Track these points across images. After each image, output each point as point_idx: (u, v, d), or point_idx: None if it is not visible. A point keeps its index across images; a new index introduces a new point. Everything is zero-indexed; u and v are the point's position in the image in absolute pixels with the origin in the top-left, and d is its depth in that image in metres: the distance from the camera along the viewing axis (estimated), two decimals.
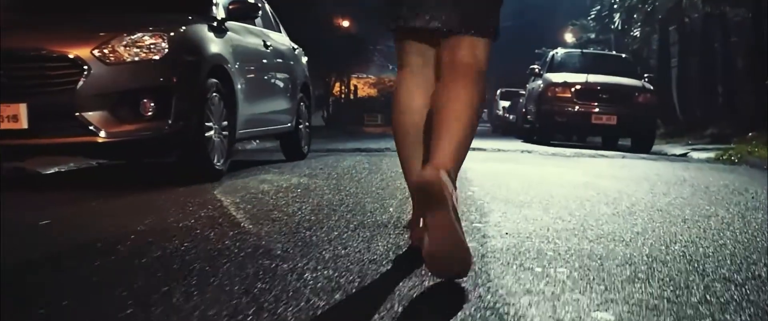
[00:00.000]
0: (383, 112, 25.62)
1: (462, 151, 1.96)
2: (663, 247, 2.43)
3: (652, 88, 12.22)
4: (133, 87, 4.29)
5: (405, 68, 2.16)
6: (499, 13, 2.14)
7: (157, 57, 4.34)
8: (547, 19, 34.41)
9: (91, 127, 4.16)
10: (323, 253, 2.21)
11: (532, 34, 33.70)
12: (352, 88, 27.20)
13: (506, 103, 23.71)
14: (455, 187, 1.92)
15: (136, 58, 4.30)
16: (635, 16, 17.24)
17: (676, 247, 2.44)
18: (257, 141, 11.97)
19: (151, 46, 4.35)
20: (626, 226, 2.90)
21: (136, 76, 4.31)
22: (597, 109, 11.68)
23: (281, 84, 6.45)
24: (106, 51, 4.22)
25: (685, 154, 11.06)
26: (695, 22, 15.96)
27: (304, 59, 7.47)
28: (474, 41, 2.04)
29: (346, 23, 25.25)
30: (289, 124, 6.63)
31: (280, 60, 6.47)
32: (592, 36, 22.60)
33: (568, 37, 27.03)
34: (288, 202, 3.52)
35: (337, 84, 25.58)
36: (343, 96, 27.27)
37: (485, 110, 53.76)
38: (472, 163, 6.46)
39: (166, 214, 3.17)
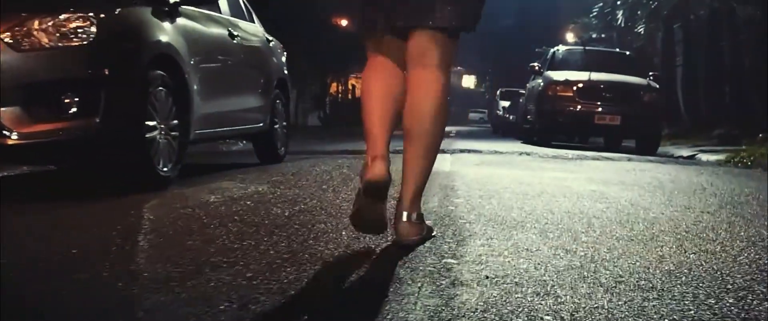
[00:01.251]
0: None
1: (427, 176, 2.25)
2: (712, 301, 1.65)
3: (657, 86, 11.40)
4: (53, 78, 3.52)
5: (371, 59, 2.23)
6: (467, 9, 2.17)
7: (83, 43, 3.57)
8: (548, 18, 33.46)
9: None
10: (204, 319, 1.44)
11: (532, 33, 32.81)
12: (350, 87, 26.39)
13: (506, 103, 22.87)
14: (421, 213, 2.24)
15: (59, 45, 3.54)
16: (639, 12, 16.32)
17: (730, 301, 1.66)
18: (244, 142, 11.27)
19: (77, 31, 3.59)
20: (651, 259, 2.12)
21: (57, 66, 3.54)
22: (600, 109, 10.88)
23: (251, 79, 5.69)
24: (19, 35, 3.46)
25: (693, 156, 10.27)
26: (702, 19, 15.09)
27: (282, 53, 6.70)
28: (437, 36, 2.12)
29: (344, 22, 24.45)
30: (261, 124, 5.86)
31: (251, 52, 5.70)
32: (594, 35, 21.62)
33: (569, 37, 26.15)
34: (222, 220, 2.74)
35: (335, 84, 24.78)
36: (340, 95, 26.47)
37: (485, 111, 52.76)
38: (463, 168, 5.68)
39: (64, 238, 2.42)
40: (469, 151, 8.33)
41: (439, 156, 2.34)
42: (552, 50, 13.26)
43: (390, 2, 2.11)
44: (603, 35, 20.56)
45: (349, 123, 23.19)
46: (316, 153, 8.12)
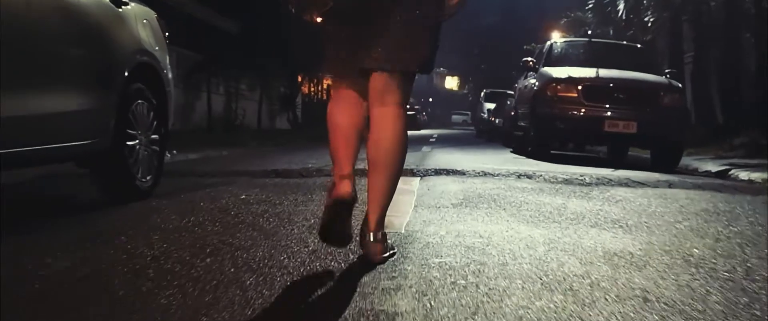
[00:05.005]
0: None
1: (390, 199, 2.20)
2: None
3: (680, 86, 8.88)
4: None
5: (335, 92, 2.29)
6: (428, 49, 2.20)
7: None
8: (536, 14, 30.52)
9: None
10: None
11: (519, 32, 30.04)
12: (325, 87, 23.64)
13: (491, 106, 20.25)
14: (384, 233, 2.21)
15: None
16: (645, 2, 13.64)
17: None
18: (169, 154, 8.68)
19: None
20: None
21: None
22: (611, 113, 8.32)
23: (58, 63, 3.08)
24: None
25: (725, 172, 7.77)
26: (716, 10, 12.52)
27: (153, 27, 4.09)
28: (397, 77, 2.17)
29: (319, 18, 21.76)
30: (90, 140, 3.27)
31: (60, 17, 3.09)
32: (589, 31, 18.77)
33: (555, 36, 23.50)
34: None
35: (308, 83, 21.99)
36: (315, 96, 23.69)
37: (468, 113, 50.53)
38: (430, 219, 3.08)
39: None
40: (447, 171, 5.75)
41: (402, 186, 2.52)
42: (549, 42, 10.69)
43: (353, 46, 2.16)
44: (598, 31, 17.69)
45: (320, 125, 20.56)
46: (231, 174, 5.53)
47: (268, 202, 3.66)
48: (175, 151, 8.59)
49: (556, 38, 20.06)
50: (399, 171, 2.20)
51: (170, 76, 4.26)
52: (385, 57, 2.13)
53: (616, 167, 7.54)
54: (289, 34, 16.32)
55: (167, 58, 4.23)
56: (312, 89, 23.22)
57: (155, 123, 3.95)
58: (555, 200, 4.04)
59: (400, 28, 2.12)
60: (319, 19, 2.33)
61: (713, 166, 8.43)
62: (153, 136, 3.92)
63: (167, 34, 4.34)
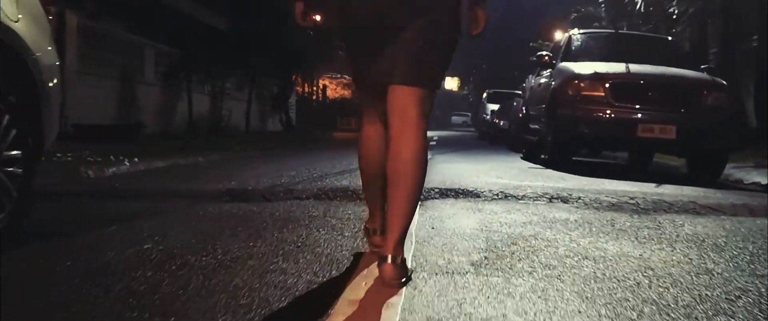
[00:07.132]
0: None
1: (410, 220, 2.07)
2: None
3: (725, 83, 7.42)
4: None
5: (364, 118, 2.21)
6: (443, 66, 2.15)
7: None
8: (544, 10, 28.71)
9: None
10: None
11: (525, 28, 28.38)
12: (321, 87, 22.13)
13: (494, 107, 18.73)
14: (403, 258, 2.02)
15: None
16: None
17: None
18: (128, 162, 7.33)
19: None
20: None
21: None
22: (645, 115, 6.86)
23: None
24: None
25: None
26: (746, 2, 11.01)
27: None
28: (419, 93, 2.08)
29: (317, 17, 20.29)
30: None
31: None
32: (597, 25, 17.13)
33: (559, 36, 21.94)
34: None
35: (304, 83, 20.47)
36: (313, 98, 22.16)
37: (468, 114, 48.99)
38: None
39: None
40: (456, 193, 4.30)
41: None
42: (568, 34, 9.21)
43: (371, 60, 2.08)
44: (611, 27, 15.96)
45: (318, 128, 19.07)
46: (177, 196, 4.10)
47: (179, 256, 2.23)
48: (136, 159, 7.18)
49: (562, 36, 18.53)
50: (419, 188, 2.06)
51: (53, 62, 2.82)
52: (407, 71, 2.05)
53: (658, 181, 6.10)
54: (284, 30, 14.86)
55: (46, 37, 2.80)
56: (309, 89, 21.69)
57: (14, 133, 2.52)
58: (624, 249, 2.60)
59: (421, 44, 2.03)
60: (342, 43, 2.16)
61: (761, 178, 6.99)
62: (9, 154, 2.49)
63: (52, 8, 2.91)
